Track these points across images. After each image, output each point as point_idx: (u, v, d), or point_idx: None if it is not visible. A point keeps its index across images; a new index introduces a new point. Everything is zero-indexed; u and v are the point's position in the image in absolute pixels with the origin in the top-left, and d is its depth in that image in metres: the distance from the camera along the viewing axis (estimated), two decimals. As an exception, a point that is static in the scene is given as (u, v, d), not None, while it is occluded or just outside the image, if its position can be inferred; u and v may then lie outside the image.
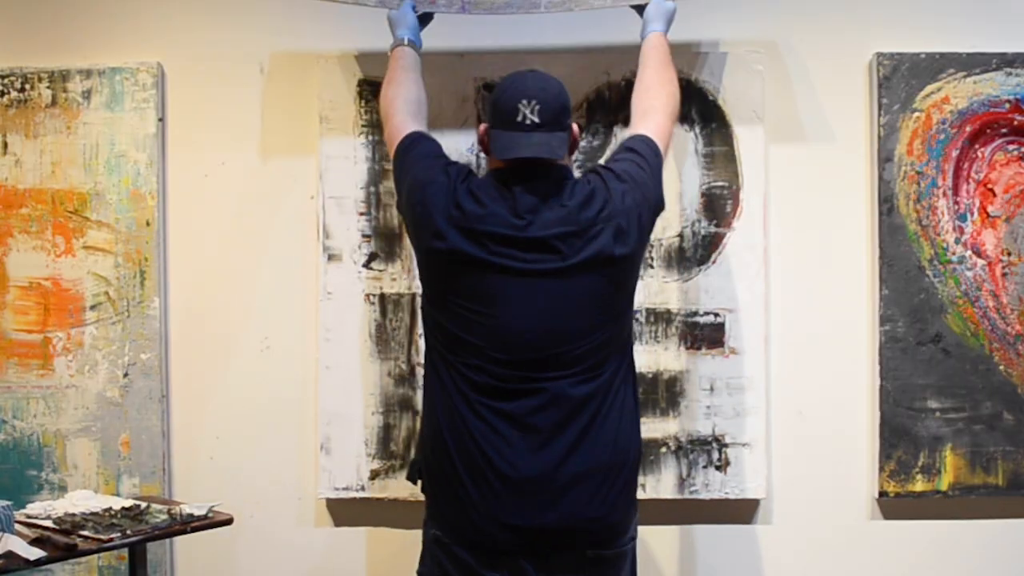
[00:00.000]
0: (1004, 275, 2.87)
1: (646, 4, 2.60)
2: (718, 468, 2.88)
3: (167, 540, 2.90)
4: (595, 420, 2.13)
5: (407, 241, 2.75)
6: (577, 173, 2.90)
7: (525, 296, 2.10)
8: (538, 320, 2.10)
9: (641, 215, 2.21)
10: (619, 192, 2.19)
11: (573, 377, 2.12)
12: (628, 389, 2.22)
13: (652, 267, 2.90)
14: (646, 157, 2.29)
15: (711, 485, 2.88)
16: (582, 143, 2.89)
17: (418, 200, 2.20)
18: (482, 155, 2.89)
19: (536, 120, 2.12)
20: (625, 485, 2.20)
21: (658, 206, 2.30)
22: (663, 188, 2.32)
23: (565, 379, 2.12)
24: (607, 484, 2.14)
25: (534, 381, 2.11)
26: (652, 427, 2.87)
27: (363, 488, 2.89)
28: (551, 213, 2.13)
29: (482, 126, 2.25)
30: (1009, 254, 2.87)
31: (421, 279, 2.27)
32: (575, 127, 2.23)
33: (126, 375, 2.95)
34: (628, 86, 2.87)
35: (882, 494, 2.89)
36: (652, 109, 2.41)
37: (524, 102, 2.13)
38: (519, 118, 2.12)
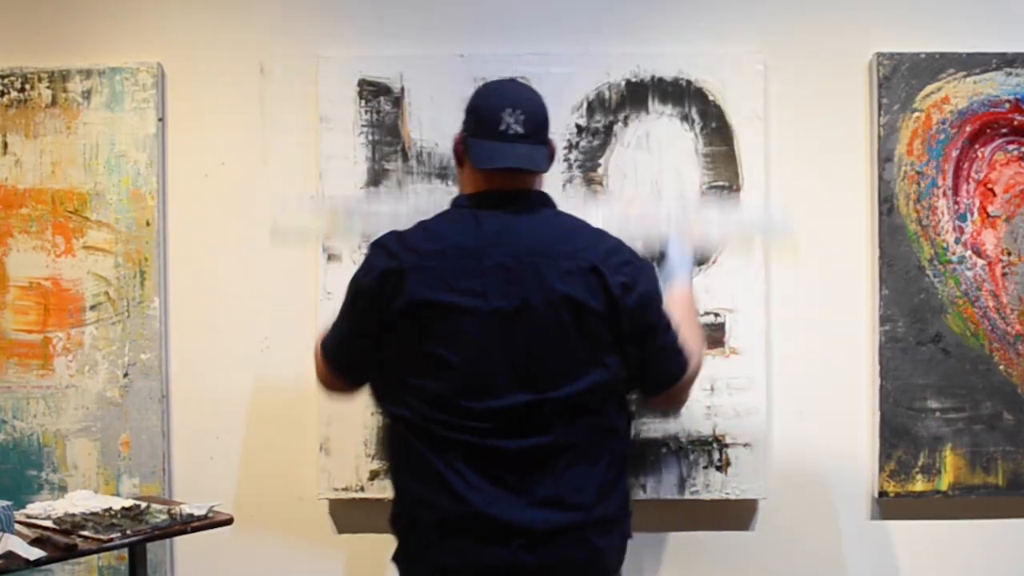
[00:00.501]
0: (1004, 275, 2.87)
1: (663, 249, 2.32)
2: (718, 468, 2.88)
3: (167, 540, 2.90)
4: (570, 470, 1.93)
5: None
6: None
7: (492, 338, 1.90)
8: (505, 364, 1.90)
9: (626, 294, 1.93)
10: (614, 247, 1.97)
11: (547, 428, 1.92)
12: (612, 444, 2.00)
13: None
14: (662, 323, 2.01)
15: (711, 485, 2.88)
16: (582, 143, 2.90)
17: (371, 279, 1.97)
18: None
19: (520, 131, 1.95)
20: (609, 532, 2.00)
21: (643, 322, 1.97)
22: (652, 364, 2.01)
23: (539, 430, 1.92)
24: (591, 532, 1.95)
25: (504, 434, 1.91)
26: (652, 427, 2.87)
27: (362, 489, 2.89)
28: (519, 240, 1.92)
29: (457, 134, 2.05)
30: (1009, 254, 2.87)
31: (382, 350, 2.01)
32: (553, 144, 2.07)
33: (126, 375, 2.95)
34: (628, 85, 2.89)
35: (882, 494, 2.89)
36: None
37: (508, 110, 1.95)
38: (502, 127, 1.95)
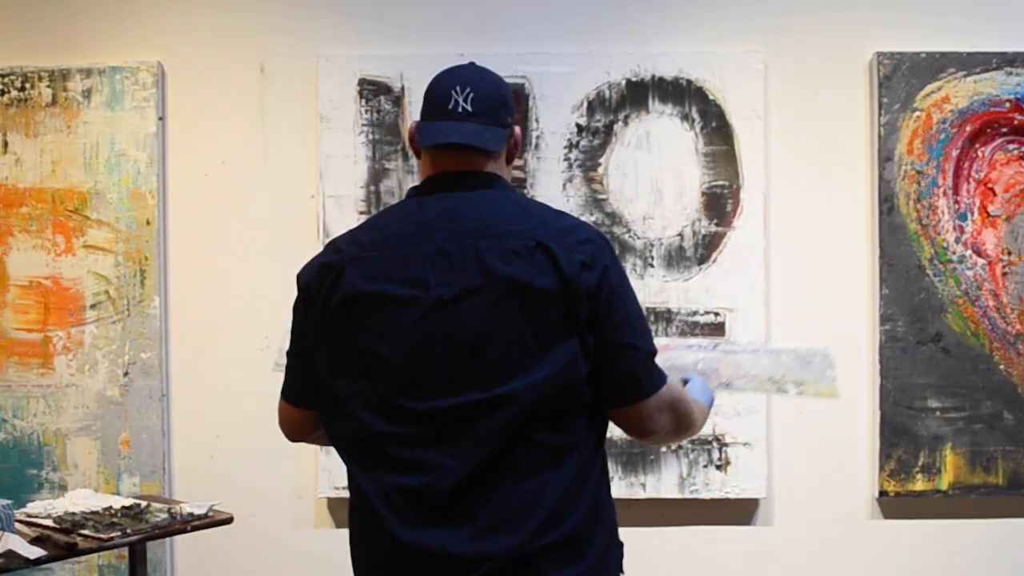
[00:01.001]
0: (1004, 274, 2.87)
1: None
2: (718, 467, 2.88)
3: (167, 539, 2.90)
4: (520, 488, 1.67)
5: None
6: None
7: (433, 330, 1.69)
8: (449, 359, 1.68)
9: (585, 272, 1.67)
10: (572, 226, 1.74)
11: (495, 440, 1.66)
12: (572, 459, 1.71)
13: (652, 266, 2.90)
14: (633, 306, 1.74)
15: (711, 484, 2.88)
16: (582, 143, 2.90)
17: (311, 273, 1.82)
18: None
19: (469, 109, 1.80)
20: (572, 560, 1.70)
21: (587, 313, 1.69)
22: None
23: (486, 442, 1.67)
24: (544, 562, 1.67)
25: (447, 443, 1.68)
26: (652, 426, 2.87)
27: (363, 487, 2.89)
28: (462, 222, 1.73)
29: (412, 123, 1.89)
30: (1009, 253, 2.87)
31: (325, 355, 1.81)
32: (517, 131, 1.87)
33: (126, 374, 2.95)
34: (628, 85, 2.89)
35: (882, 493, 2.89)
36: None
37: (457, 89, 1.82)
38: (450, 105, 1.81)
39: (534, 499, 1.67)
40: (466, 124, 1.79)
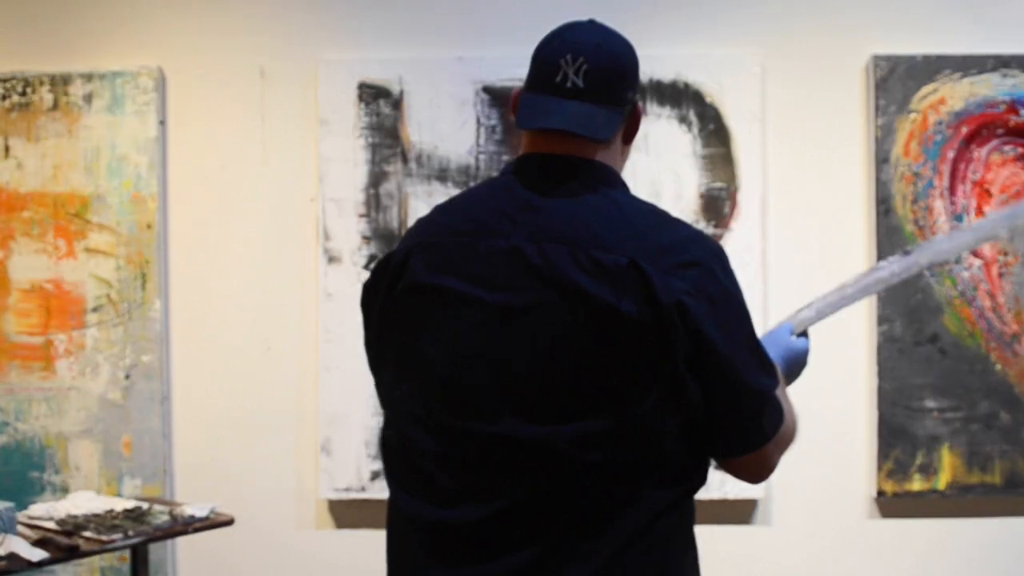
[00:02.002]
0: (1000, 275, 2.88)
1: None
2: (716, 468, 2.88)
3: (168, 541, 2.91)
4: (546, 554, 1.40)
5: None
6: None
7: (490, 340, 1.42)
8: (500, 379, 1.41)
9: (685, 303, 1.38)
10: (681, 241, 1.44)
11: (534, 482, 1.40)
12: (625, 517, 1.42)
13: (650, 268, 2.91)
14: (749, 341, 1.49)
15: (710, 485, 2.84)
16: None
17: (382, 261, 1.57)
18: (482, 157, 2.92)
19: (580, 83, 1.47)
20: None
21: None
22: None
23: (522, 482, 1.41)
24: None
25: (471, 470, 1.44)
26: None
27: (363, 489, 2.90)
28: (548, 219, 1.43)
29: (516, 90, 1.59)
30: (1005, 254, 2.89)
31: (383, 354, 1.58)
32: (638, 108, 1.56)
33: (127, 377, 2.96)
34: (626, 88, 2.91)
35: (880, 493, 2.90)
36: None
37: (568, 57, 1.50)
38: (558, 78, 1.49)
39: (563, 563, 1.40)
40: (574, 103, 1.48)
